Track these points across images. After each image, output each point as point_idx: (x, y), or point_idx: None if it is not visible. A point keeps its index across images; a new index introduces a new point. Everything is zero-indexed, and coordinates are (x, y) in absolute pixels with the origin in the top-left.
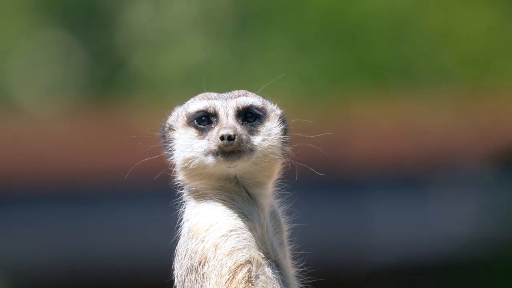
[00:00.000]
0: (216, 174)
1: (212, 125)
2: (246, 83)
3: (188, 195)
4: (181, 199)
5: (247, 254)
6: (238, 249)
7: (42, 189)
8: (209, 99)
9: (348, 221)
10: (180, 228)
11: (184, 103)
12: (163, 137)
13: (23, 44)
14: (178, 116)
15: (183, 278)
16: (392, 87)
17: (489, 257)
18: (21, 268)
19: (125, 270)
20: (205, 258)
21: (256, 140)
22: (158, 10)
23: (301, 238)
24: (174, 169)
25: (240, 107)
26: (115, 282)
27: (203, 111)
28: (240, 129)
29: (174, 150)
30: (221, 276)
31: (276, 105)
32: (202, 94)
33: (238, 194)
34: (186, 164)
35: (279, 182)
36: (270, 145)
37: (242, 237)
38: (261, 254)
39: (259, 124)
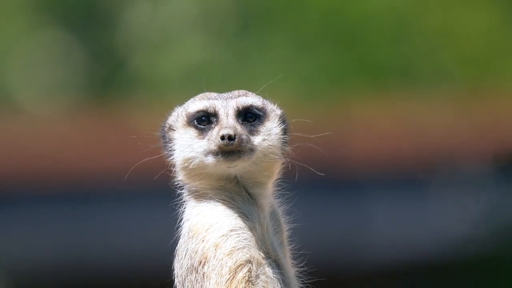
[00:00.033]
0: (216, 174)
1: (212, 125)
2: (246, 83)
3: (188, 195)
4: (181, 199)
5: (247, 254)
6: (238, 248)
7: (42, 189)
8: (209, 99)
9: (348, 221)
10: (180, 228)
11: (184, 103)
12: (163, 137)
13: (23, 44)
14: (178, 116)
15: (183, 278)
16: (392, 87)
17: (489, 257)
18: (21, 268)
19: (125, 270)
20: (206, 258)
21: (256, 140)
22: (158, 10)
23: (301, 238)
24: (174, 169)
25: (240, 107)
26: (115, 282)
27: (203, 111)
28: (240, 129)
29: (174, 150)
30: (221, 276)
31: (276, 105)
32: (202, 94)
33: (238, 194)
34: (186, 164)
35: (279, 182)
36: (270, 145)
37: (242, 237)
38: (261, 254)
39: (259, 124)
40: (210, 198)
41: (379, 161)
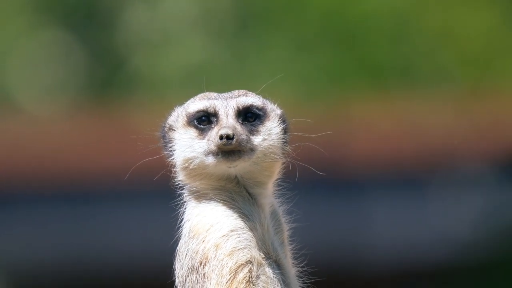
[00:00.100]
0: (217, 174)
1: (212, 125)
2: (246, 83)
3: (188, 195)
4: (181, 199)
5: (248, 254)
6: (239, 249)
7: (42, 189)
8: (209, 99)
9: (348, 221)
10: (180, 228)
11: (184, 103)
12: (163, 137)
13: (23, 44)
14: (178, 116)
15: (184, 279)
16: (392, 87)
17: (489, 257)
18: (21, 268)
19: (125, 270)
20: (206, 258)
21: (257, 140)
22: (158, 10)
23: (302, 238)
24: (174, 169)
25: (240, 107)
26: (115, 282)
27: (203, 111)
28: (240, 128)
29: (174, 150)
30: (222, 276)
31: (276, 105)
32: (202, 94)
33: (238, 194)
34: (186, 164)
35: (280, 181)
36: (270, 144)
37: (243, 237)
38: (262, 254)
39: (259, 124)
40: (211, 198)
41: (379, 161)
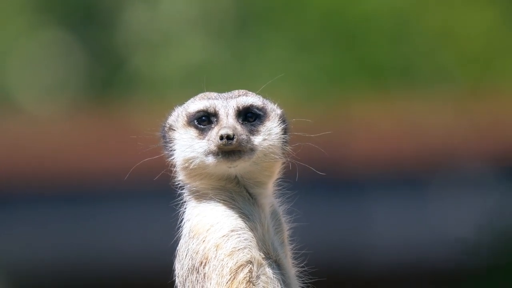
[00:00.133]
0: (217, 174)
1: (213, 125)
2: (246, 83)
3: (188, 195)
4: (181, 199)
5: (248, 254)
6: (239, 249)
7: (42, 189)
8: (209, 99)
9: (348, 221)
10: (181, 228)
11: (184, 103)
12: (163, 137)
13: (23, 44)
14: (178, 116)
15: (184, 279)
16: (392, 87)
17: (489, 257)
18: (21, 268)
19: (125, 270)
20: (206, 258)
21: (257, 140)
22: (158, 10)
23: (302, 238)
24: (174, 169)
25: (241, 106)
26: (116, 282)
27: (203, 111)
28: (240, 128)
29: (174, 150)
30: (222, 277)
31: (276, 105)
32: (202, 94)
33: (238, 194)
34: (186, 164)
35: (280, 181)
36: (270, 144)
37: (243, 237)
38: (262, 254)
39: (259, 124)
40: (211, 198)
41: (379, 161)
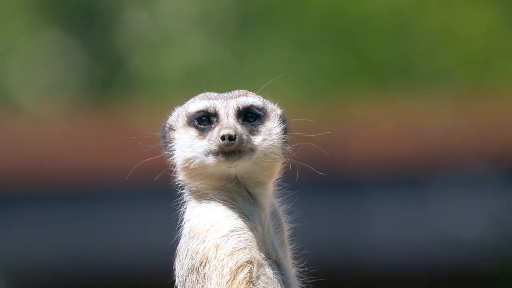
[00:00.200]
0: (217, 174)
1: (213, 125)
2: (246, 83)
3: (189, 195)
4: (182, 199)
5: (248, 254)
6: (239, 249)
7: (42, 189)
8: (209, 99)
9: (348, 221)
10: (181, 228)
11: (184, 103)
12: (164, 137)
13: (23, 44)
14: (178, 116)
15: (184, 279)
16: (392, 87)
17: (489, 257)
18: (21, 268)
19: (125, 270)
20: (206, 259)
21: (257, 140)
22: (158, 10)
23: (302, 238)
24: (174, 169)
25: (241, 107)
26: (116, 282)
27: (203, 111)
28: (240, 129)
29: (174, 150)
30: (222, 277)
31: (276, 105)
32: (202, 94)
33: (239, 194)
34: (186, 164)
35: (280, 181)
36: (270, 144)
37: (243, 237)
38: (262, 254)
39: (259, 124)
40: (211, 198)
41: (379, 161)
